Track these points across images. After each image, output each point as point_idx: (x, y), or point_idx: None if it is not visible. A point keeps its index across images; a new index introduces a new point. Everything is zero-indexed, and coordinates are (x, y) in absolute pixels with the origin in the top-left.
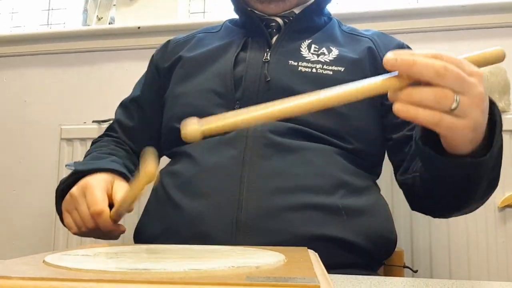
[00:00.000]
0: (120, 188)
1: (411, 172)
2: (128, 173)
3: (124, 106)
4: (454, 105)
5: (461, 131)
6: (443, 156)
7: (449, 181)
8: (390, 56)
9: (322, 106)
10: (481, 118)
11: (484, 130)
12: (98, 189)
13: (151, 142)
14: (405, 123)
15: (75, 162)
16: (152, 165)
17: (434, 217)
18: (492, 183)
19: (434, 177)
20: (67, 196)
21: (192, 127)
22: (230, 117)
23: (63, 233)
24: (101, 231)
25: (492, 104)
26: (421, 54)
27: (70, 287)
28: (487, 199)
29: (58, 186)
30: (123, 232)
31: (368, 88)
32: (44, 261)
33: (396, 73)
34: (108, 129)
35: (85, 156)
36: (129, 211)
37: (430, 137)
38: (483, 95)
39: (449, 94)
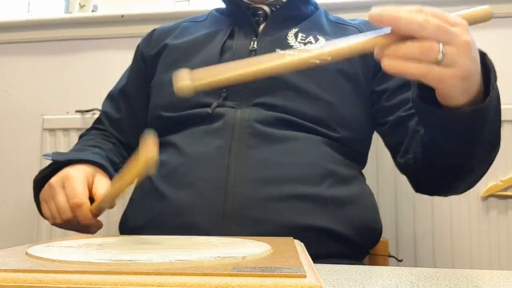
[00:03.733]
0: (101, 183)
1: (411, 152)
2: (110, 167)
3: (111, 97)
4: (440, 56)
5: (450, 80)
6: (440, 109)
7: (450, 137)
8: (374, 10)
9: (313, 63)
10: (471, 66)
11: (478, 79)
12: (79, 181)
13: (139, 132)
14: (398, 106)
15: (53, 153)
16: (152, 151)
17: (440, 194)
18: (493, 141)
19: (434, 136)
20: (46, 186)
21: (185, 83)
22: (222, 71)
23: (46, 225)
24: (78, 224)
25: (483, 55)
26: (404, 7)
27: (54, 279)
28: (489, 166)
29: (36, 176)
30: (100, 227)
31: (356, 45)
32: (26, 253)
33: (382, 31)
34: (95, 121)
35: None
36: (111, 206)
37: (426, 96)
38: (469, 43)
39: (434, 46)
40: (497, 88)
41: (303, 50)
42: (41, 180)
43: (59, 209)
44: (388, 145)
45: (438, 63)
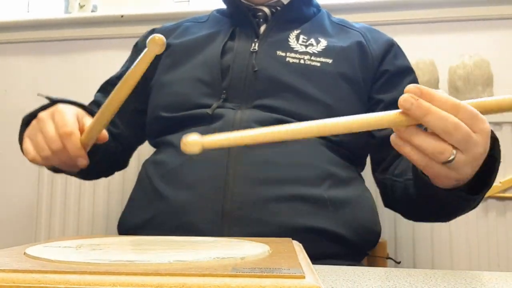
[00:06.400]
0: (90, 120)
1: (392, 175)
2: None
3: (103, 88)
4: (449, 159)
5: (445, 179)
6: (434, 186)
7: (439, 204)
8: (406, 98)
9: (328, 132)
10: (469, 173)
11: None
12: (69, 112)
13: (127, 125)
14: None
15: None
16: (160, 36)
17: (407, 219)
18: (478, 204)
19: (423, 196)
20: (33, 121)
21: (193, 140)
22: (231, 141)
23: (45, 225)
24: (65, 156)
25: (495, 141)
26: (441, 99)
27: (52, 279)
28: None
29: (25, 116)
30: (87, 163)
31: (375, 120)
32: (25, 253)
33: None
34: None
35: None
36: (102, 138)
37: None
38: (482, 155)
39: (447, 151)
40: (495, 177)
41: (321, 120)
42: (28, 121)
43: (47, 139)
44: (370, 156)
45: (441, 163)
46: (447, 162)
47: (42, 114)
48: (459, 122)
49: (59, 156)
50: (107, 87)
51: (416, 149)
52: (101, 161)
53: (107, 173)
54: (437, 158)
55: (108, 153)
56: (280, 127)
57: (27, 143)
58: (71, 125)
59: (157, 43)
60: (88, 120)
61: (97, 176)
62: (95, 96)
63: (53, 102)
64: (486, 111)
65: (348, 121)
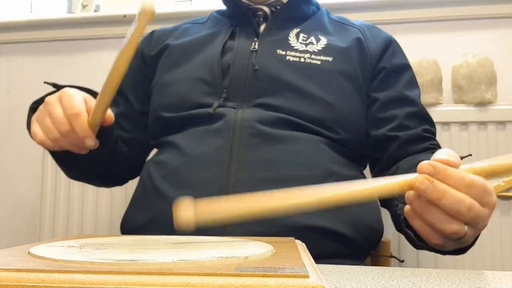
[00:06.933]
0: None
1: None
2: None
3: None
4: (460, 237)
5: (443, 247)
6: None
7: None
8: (422, 180)
9: (334, 203)
10: (470, 241)
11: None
12: (76, 94)
13: (140, 131)
14: (385, 122)
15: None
16: (150, 3)
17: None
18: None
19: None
20: (41, 106)
21: (187, 217)
22: (227, 208)
23: (49, 225)
24: (74, 137)
25: None
26: (456, 178)
27: (56, 278)
28: None
29: (32, 103)
30: (95, 145)
31: (390, 187)
32: (29, 252)
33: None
34: None
35: None
36: (109, 119)
37: None
38: (486, 225)
39: (462, 231)
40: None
41: (329, 187)
42: (35, 108)
43: (55, 121)
44: (367, 157)
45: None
46: (458, 239)
47: (50, 98)
48: (473, 202)
49: (67, 137)
50: None
51: (428, 224)
52: (115, 165)
53: (122, 178)
54: (450, 236)
55: (122, 157)
56: (282, 195)
57: (35, 126)
58: (79, 106)
59: (146, 13)
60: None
61: (112, 181)
62: None
63: (59, 88)
64: (498, 173)
65: (363, 189)
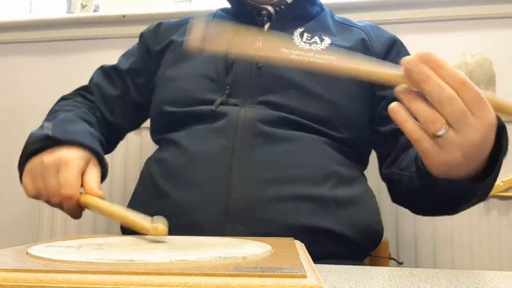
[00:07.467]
0: (92, 175)
1: (398, 169)
2: (103, 154)
3: (107, 72)
4: (438, 133)
5: (435, 162)
6: (438, 178)
7: (440, 195)
8: (410, 60)
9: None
10: (460, 161)
11: (467, 170)
12: (74, 169)
13: (128, 119)
14: None
15: (53, 124)
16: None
17: (416, 214)
18: (484, 197)
19: (425, 187)
20: (37, 160)
21: (195, 42)
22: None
23: (47, 225)
24: (61, 208)
25: (502, 129)
26: (447, 71)
27: (55, 279)
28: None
29: (29, 144)
30: (79, 218)
31: (382, 73)
32: (27, 252)
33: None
34: (82, 88)
35: (55, 112)
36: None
37: None
38: (476, 143)
39: (439, 122)
40: (500, 165)
41: (328, 55)
42: (29, 153)
43: (48, 191)
44: (376, 153)
45: (433, 137)
46: (437, 137)
47: (48, 161)
48: (456, 96)
49: (56, 206)
50: (110, 72)
51: (411, 118)
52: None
53: None
54: (428, 127)
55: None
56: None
57: (28, 181)
58: (74, 187)
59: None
60: (92, 173)
61: None
62: (96, 76)
63: (58, 140)
64: (497, 109)
65: (357, 66)
